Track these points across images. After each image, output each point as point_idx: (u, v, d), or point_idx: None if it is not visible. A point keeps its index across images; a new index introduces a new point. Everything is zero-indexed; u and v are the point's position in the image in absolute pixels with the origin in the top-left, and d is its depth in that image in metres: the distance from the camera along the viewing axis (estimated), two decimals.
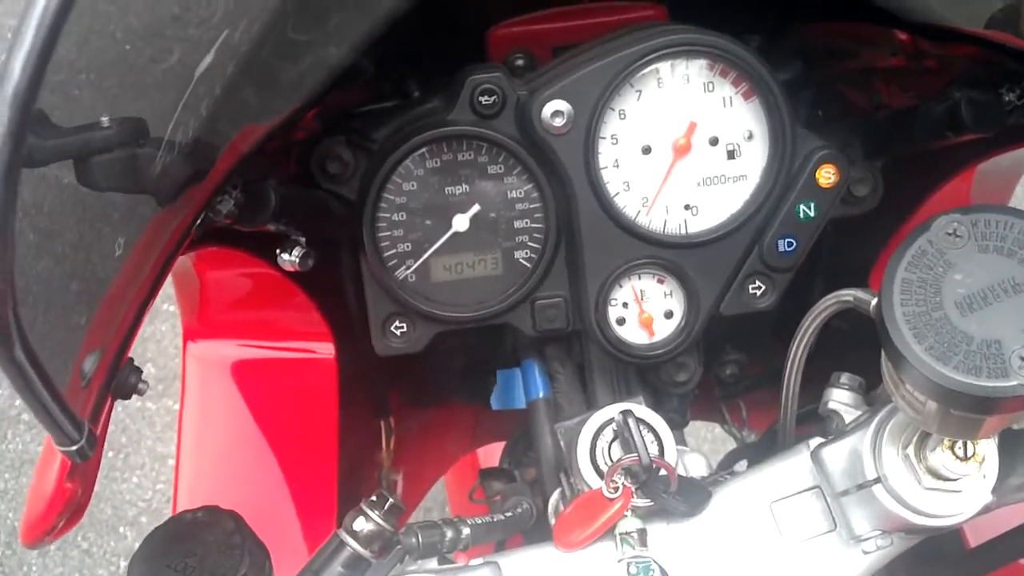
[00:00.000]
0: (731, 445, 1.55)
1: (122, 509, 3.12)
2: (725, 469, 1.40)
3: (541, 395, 1.20)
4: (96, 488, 2.88)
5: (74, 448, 0.67)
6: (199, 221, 0.87)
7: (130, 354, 0.80)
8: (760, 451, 1.22)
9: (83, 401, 0.70)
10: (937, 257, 0.72)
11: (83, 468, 0.76)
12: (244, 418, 1.32)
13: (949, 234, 0.72)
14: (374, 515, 0.84)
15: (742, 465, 1.32)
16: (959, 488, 0.83)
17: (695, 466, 1.02)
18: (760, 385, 1.46)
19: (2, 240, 0.54)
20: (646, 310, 1.10)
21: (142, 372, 0.81)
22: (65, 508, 0.77)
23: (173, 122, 0.77)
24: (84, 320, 0.72)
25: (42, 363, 0.57)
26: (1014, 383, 0.68)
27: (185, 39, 0.78)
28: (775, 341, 1.37)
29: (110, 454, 3.21)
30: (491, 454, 1.73)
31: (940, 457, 0.82)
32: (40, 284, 0.68)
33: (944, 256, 0.72)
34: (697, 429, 2.64)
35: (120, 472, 3.19)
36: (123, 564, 3.00)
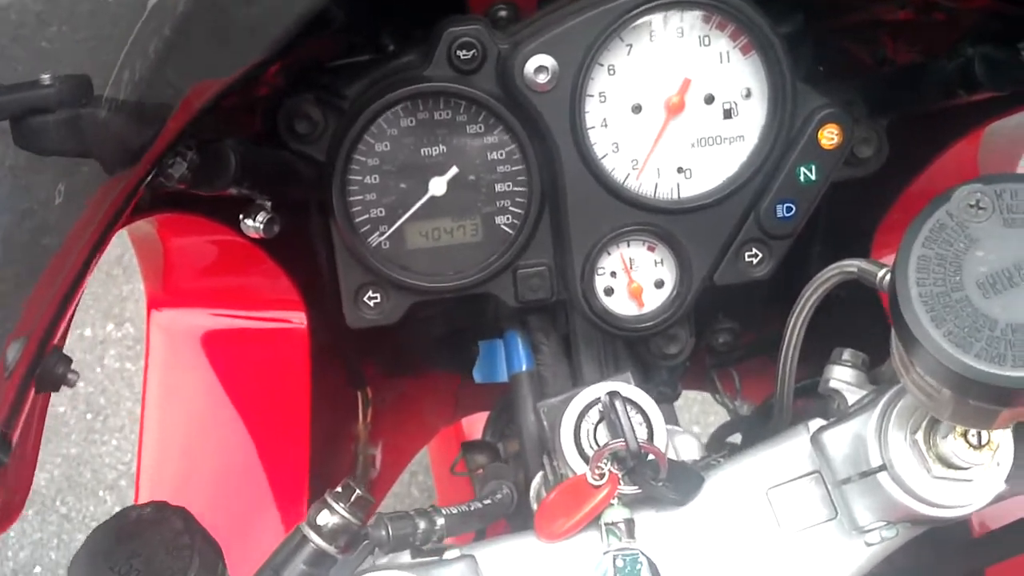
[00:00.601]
0: (719, 407, 1.50)
1: (101, 472, 3.07)
2: (718, 442, 1.35)
3: (524, 368, 1.13)
4: (75, 451, 2.81)
5: None
6: (146, 184, 0.80)
7: (58, 341, 0.72)
8: (755, 425, 1.17)
9: None
10: (958, 232, 0.65)
11: (3, 473, 0.69)
12: (211, 390, 1.25)
13: (971, 206, 0.65)
14: (339, 508, 0.78)
15: (736, 438, 1.26)
16: (970, 477, 0.77)
17: (686, 448, 0.96)
18: (754, 353, 1.40)
19: None
20: (635, 279, 1.04)
21: (71, 361, 0.73)
22: None
23: (118, 67, 0.70)
24: (13, 306, 0.65)
25: None
26: None
27: None
28: (769, 308, 1.31)
29: (88, 416, 3.15)
30: (476, 423, 1.67)
31: (952, 444, 0.76)
32: None
33: (966, 230, 0.65)
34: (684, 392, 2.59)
35: (99, 435, 3.13)
36: None
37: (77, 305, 0.75)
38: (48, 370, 0.70)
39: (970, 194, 0.65)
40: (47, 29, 0.72)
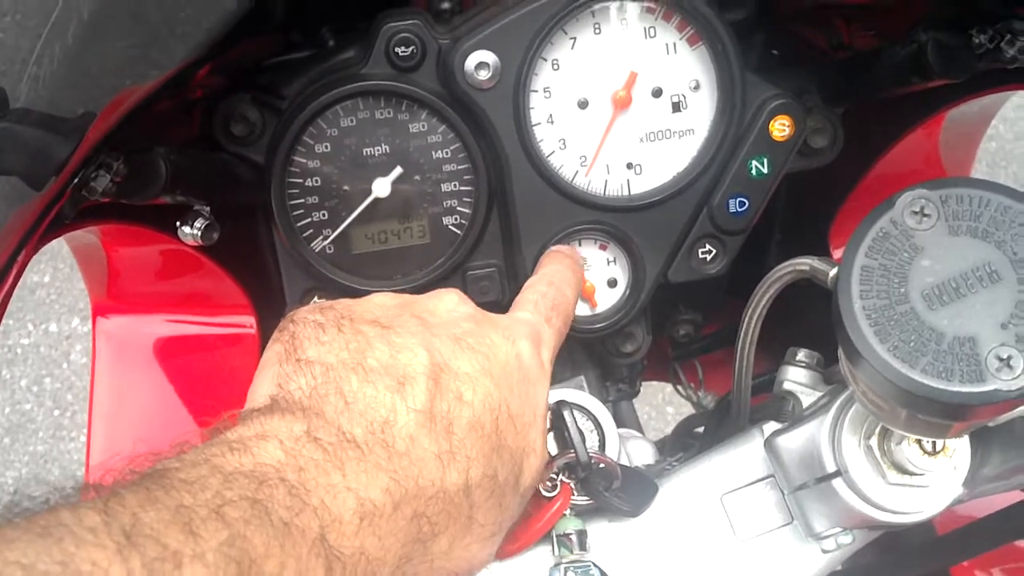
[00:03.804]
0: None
1: (70, 469, 3.03)
2: (683, 434, 1.33)
3: None
4: (43, 448, 2.78)
5: None
6: (68, 199, 0.76)
7: None
8: (716, 420, 1.15)
9: None
10: (902, 240, 0.62)
11: None
12: (160, 397, 1.22)
13: (915, 212, 0.63)
14: None
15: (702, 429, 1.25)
16: (927, 483, 0.75)
17: (640, 453, 0.94)
18: (717, 345, 1.38)
19: None
20: (588, 279, 1.01)
21: None
22: None
23: (28, 77, 0.67)
24: None
25: None
26: (991, 388, 0.59)
27: None
28: (732, 298, 1.29)
29: (56, 413, 3.11)
30: None
31: (906, 451, 0.74)
32: None
33: (910, 239, 0.62)
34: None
35: (67, 431, 3.09)
36: None
37: None
38: None
39: (914, 200, 0.62)
40: None
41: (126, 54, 0.73)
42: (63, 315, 3.26)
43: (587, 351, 1.11)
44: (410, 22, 0.94)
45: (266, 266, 1.15)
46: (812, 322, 1.01)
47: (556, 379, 1.04)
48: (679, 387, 1.44)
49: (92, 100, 0.72)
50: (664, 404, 3.07)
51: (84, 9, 0.68)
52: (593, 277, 1.01)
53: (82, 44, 0.69)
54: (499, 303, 1.02)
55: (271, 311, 1.17)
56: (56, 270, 3.31)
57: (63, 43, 0.68)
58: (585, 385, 0.95)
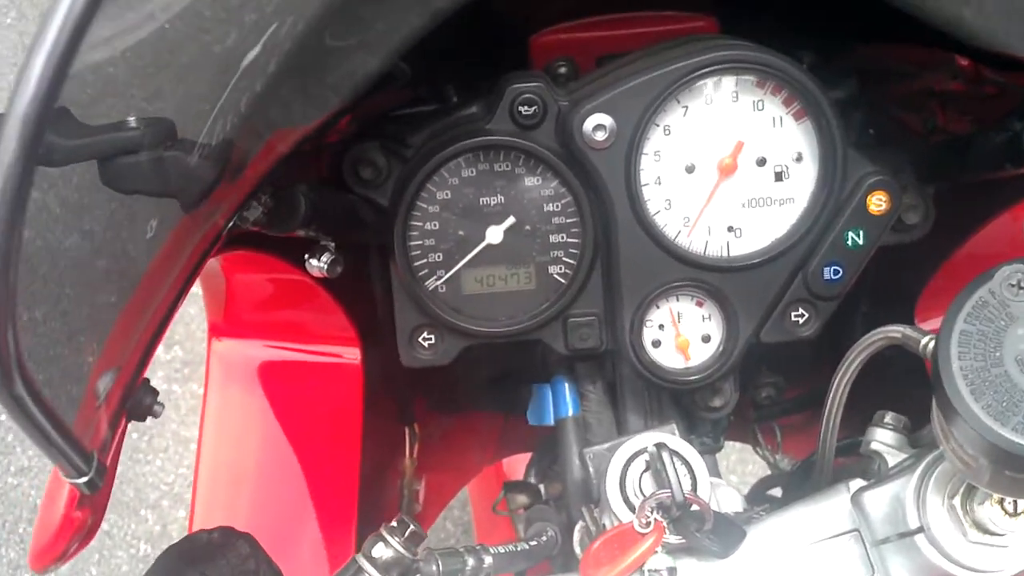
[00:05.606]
0: (757, 458, 1.51)
1: (144, 492, 3.12)
2: (758, 495, 1.36)
3: (571, 414, 1.17)
4: (119, 470, 2.87)
5: (83, 480, 0.64)
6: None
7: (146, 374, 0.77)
8: (796, 481, 1.19)
9: (94, 427, 0.68)
10: (999, 309, 0.68)
11: (92, 496, 0.73)
12: (266, 420, 1.29)
13: (1012, 285, 0.68)
14: (394, 542, 0.81)
15: (777, 492, 1.28)
16: (1006, 543, 0.79)
17: (728, 501, 0.99)
18: (797, 409, 1.42)
19: (3, 265, 0.49)
20: (683, 333, 1.06)
21: (158, 393, 0.78)
22: (75, 536, 0.75)
23: (211, 120, 0.74)
24: (101, 336, 0.69)
25: (45, 397, 0.54)
26: None
27: (240, 24, 0.75)
28: (814, 364, 1.33)
29: (134, 435, 3.20)
30: (515, 464, 1.70)
31: (988, 511, 0.78)
32: (55, 297, 0.65)
33: (1006, 309, 0.67)
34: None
35: (144, 455, 3.18)
36: (143, 547, 2.99)
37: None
38: (138, 401, 0.75)
39: (1012, 274, 0.68)
40: (143, 84, 0.76)
41: (291, 105, 0.81)
42: None
43: (674, 404, 1.16)
44: (534, 84, 1.01)
45: (374, 301, 1.22)
46: (897, 388, 1.05)
47: (646, 427, 1.10)
48: (758, 448, 1.48)
49: (256, 141, 0.80)
50: (727, 473, 3.09)
51: (269, 66, 0.76)
52: (688, 332, 1.06)
53: (260, 96, 0.76)
54: (596, 350, 1.08)
55: (376, 344, 1.24)
56: None
57: (247, 94, 0.76)
58: (676, 432, 1.00)
